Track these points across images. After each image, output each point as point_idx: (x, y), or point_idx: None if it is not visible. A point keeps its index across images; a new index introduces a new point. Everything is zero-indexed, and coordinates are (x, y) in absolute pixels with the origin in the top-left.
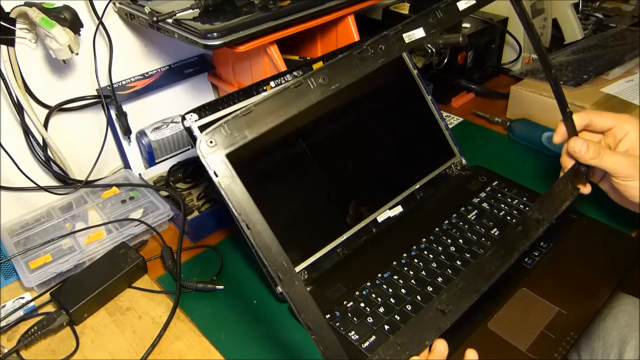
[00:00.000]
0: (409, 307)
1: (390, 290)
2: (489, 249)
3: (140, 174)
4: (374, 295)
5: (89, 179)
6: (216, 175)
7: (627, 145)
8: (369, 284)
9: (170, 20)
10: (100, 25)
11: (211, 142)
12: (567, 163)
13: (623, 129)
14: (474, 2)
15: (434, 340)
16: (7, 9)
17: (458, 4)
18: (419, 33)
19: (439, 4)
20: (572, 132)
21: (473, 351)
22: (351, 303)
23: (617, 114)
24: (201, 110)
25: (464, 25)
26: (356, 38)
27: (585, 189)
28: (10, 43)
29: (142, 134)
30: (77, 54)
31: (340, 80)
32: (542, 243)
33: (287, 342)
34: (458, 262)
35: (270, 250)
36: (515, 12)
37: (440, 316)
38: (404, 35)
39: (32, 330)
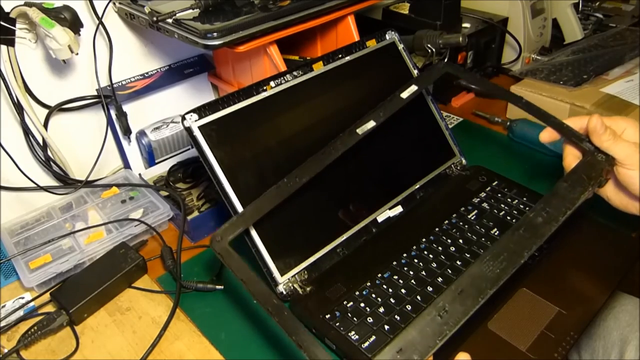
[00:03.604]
0: (409, 307)
1: (390, 290)
2: (488, 251)
3: (140, 174)
4: (374, 295)
5: (89, 179)
6: (222, 257)
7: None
8: (369, 284)
9: (170, 20)
10: (100, 25)
11: (220, 238)
12: (572, 162)
13: (619, 127)
14: (416, 88)
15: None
16: (7, 9)
17: (401, 95)
18: (370, 124)
19: (385, 101)
20: (568, 132)
21: (466, 354)
22: (351, 303)
23: (610, 117)
24: (201, 110)
25: (464, 25)
26: (356, 38)
27: (611, 175)
28: (10, 43)
29: (142, 134)
30: (77, 54)
31: (309, 174)
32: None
33: (287, 342)
34: (458, 262)
35: (263, 295)
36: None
37: (440, 321)
38: (358, 129)
39: (32, 330)
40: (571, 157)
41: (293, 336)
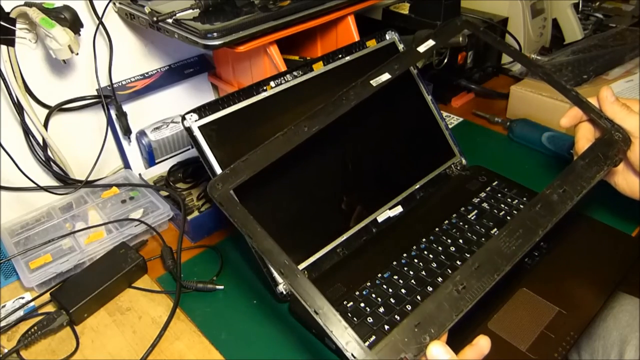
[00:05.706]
0: (409, 307)
1: (391, 290)
2: (504, 228)
3: (140, 174)
4: (374, 295)
5: (89, 179)
6: (222, 205)
7: None
8: (369, 284)
9: (170, 20)
10: (100, 25)
11: (218, 184)
12: (584, 147)
13: (635, 107)
14: (433, 43)
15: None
16: (7, 9)
17: (418, 48)
18: (384, 77)
19: (401, 52)
20: (587, 108)
21: (486, 337)
22: (351, 303)
23: (627, 99)
24: (201, 110)
25: None
26: (356, 38)
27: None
28: (10, 43)
29: (142, 134)
30: (77, 54)
31: (318, 124)
32: (541, 243)
33: (287, 342)
34: (458, 262)
35: (272, 253)
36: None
37: (457, 296)
38: (372, 81)
39: (32, 330)
40: (584, 141)
41: (307, 300)
